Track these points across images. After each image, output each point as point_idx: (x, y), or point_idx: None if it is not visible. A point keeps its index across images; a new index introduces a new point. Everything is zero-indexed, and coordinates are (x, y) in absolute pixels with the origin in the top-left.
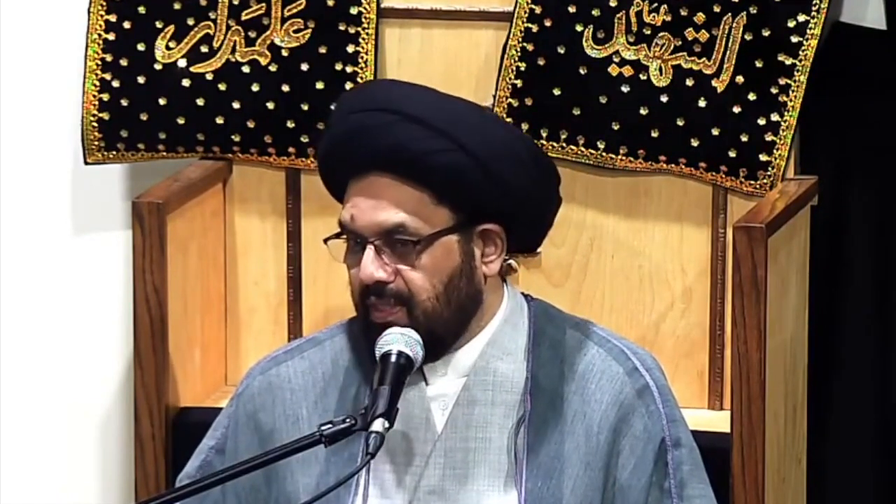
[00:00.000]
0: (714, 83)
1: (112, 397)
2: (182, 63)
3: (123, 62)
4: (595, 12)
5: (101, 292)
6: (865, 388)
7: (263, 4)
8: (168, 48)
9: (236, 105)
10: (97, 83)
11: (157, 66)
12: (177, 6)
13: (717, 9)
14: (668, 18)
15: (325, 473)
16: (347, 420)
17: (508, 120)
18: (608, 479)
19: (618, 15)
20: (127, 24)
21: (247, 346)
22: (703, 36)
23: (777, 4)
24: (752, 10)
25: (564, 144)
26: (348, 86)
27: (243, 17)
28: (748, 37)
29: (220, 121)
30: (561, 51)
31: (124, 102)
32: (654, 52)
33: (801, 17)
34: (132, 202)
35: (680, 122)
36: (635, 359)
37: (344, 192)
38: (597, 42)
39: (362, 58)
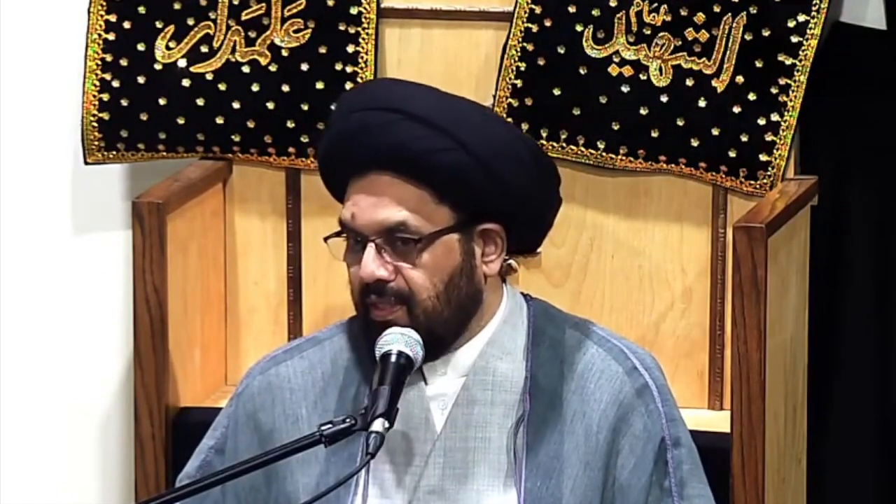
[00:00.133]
0: (714, 83)
1: (112, 397)
2: (182, 63)
3: (123, 62)
4: (595, 12)
5: (101, 292)
6: (865, 388)
7: (263, 4)
8: (168, 48)
9: (236, 105)
10: (97, 83)
11: (157, 66)
12: (177, 6)
13: (717, 9)
14: (668, 18)
15: (324, 473)
16: (347, 420)
17: (509, 120)
18: (608, 479)
19: (618, 15)
20: (127, 24)
21: (247, 346)
22: (703, 36)
23: (777, 4)
24: (752, 10)
25: (564, 144)
26: (348, 86)
27: (243, 17)
28: (748, 37)
29: (220, 121)
30: (561, 51)
31: (124, 102)
32: (654, 52)
33: (801, 17)
34: (132, 202)
35: (680, 122)
36: (634, 358)
37: (344, 191)
38: (597, 42)
39: (362, 58)
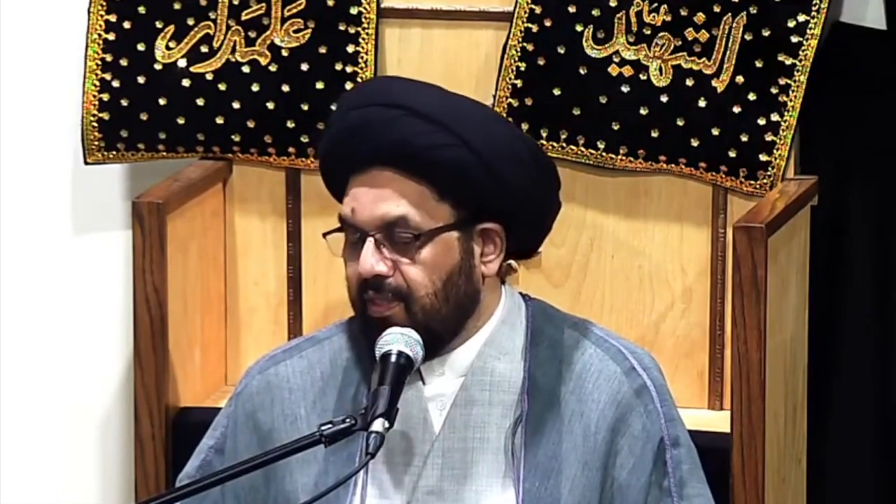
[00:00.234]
0: (714, 83)
1: (112, 397)
2: (182, 63)
3: (123, 62)
4: (595, 12)
5: (101, 292)
6: (865, 388)
7: (263, 4)
8: (168, 48)
9: (236, 105)
10: (97, 83)
11: (157, 66)
12: (177, 6)
13: (717, 9)
14: (668, 18)
15: (323, 473)
16: (347, 420)
17: (509, 120)
18: (606, 479)
19: (618, 15)
20: (127, 24)
21: (247, 346)
22: (703, 36)
23: (777, 4)
24: (752, 10)
25: (564, 144)
26: (348, 86)
27: (243, 17)
28: (748, 37)
29: (220, 121)
30: (561, 51)
31: (124, 102)
32: (654, 52)
33: (801, 17)
34: (132, 202)
35: (680, 122)
36: (633, 358)
37: (344, 189)
38: (597, 42)
39: (362, 58)
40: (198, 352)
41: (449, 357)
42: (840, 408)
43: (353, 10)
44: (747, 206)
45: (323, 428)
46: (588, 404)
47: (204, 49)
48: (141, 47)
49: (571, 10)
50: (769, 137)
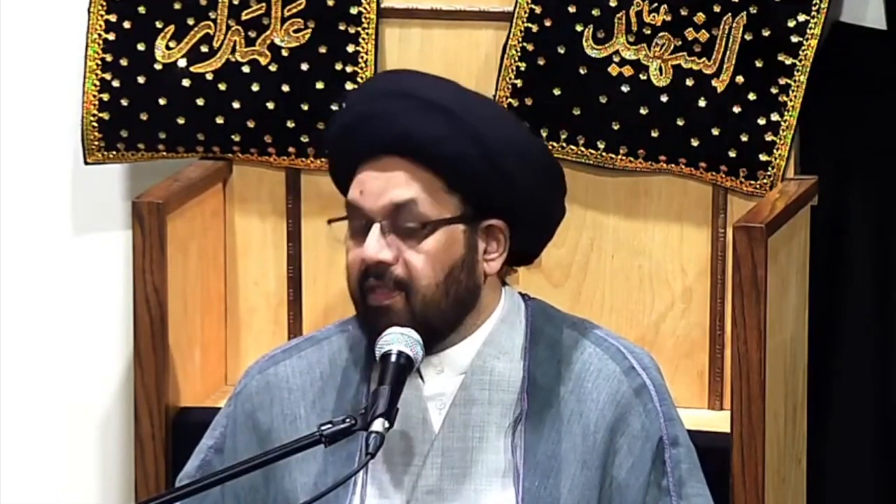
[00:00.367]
0: (714, 83)
1: (112, 397)
2: (182, 63)
3: (123, 62)
4: (595, 12)
5: (101, 292)
6: (865, 388)
7: (263, 4)
8: (168, 48)
9: (236, 105)
10: (97, 83)
11: (157, 66)
12: (177, 6)
13: (717, 9)
14: (668, 18)
15: (323, 472)
16: (347, 420)
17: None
18: (605, 478)
19: (618, 15)
20: (127, 24)
21: (247, 346)
22: (703, 36)
23: (777, 4)
24: (752, 10)
25: (564, 144)
26: (348, 86)
27: (243, 17)
28: (748, 37)
29: (220, 121)
30: (561, 51)
31: (124, 102)
32: (654, 52)
33: (801, 17)
34: (132, 202)
35: (680, 122)
36: (632, 358)
37: (350, 178)
38: (597, 42)
39: (362, 58)
40: (198, 352)
41: (448, 354)
42: (840, 408)
43: (353, 10)
44: (747, 206)
45: (323, 428)
46: (587, 403)
47: (204, 49)
48: (141, 47)
49: (571, 10)
50: (769, 137)
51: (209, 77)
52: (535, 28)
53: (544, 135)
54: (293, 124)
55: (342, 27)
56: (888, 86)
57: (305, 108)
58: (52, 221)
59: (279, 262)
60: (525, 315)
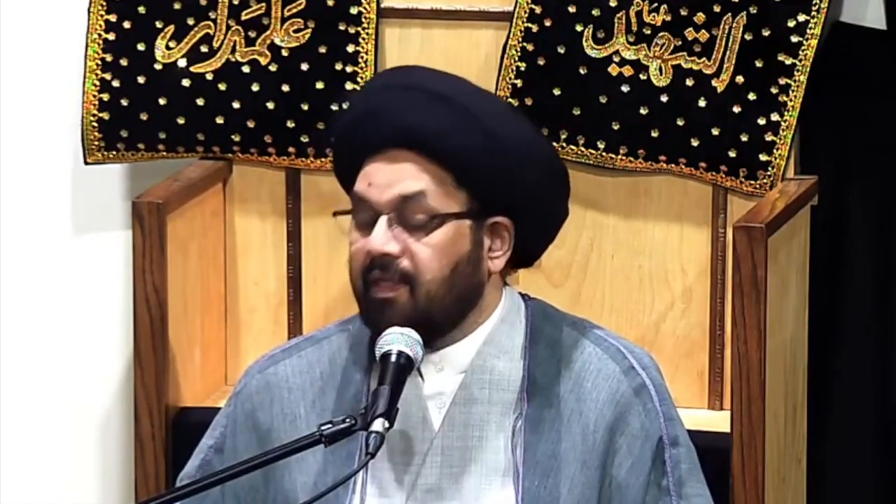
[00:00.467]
0: (714, 83)
1: (112, 397)
2: (182, 63)
3: (123, 62)
4: (595, 12)
5: (101, 292)
6: (865, 388)
7: (263, 4)
8: (168, 48)
9: (236, 105)
10: (97, 83)
11: (157, 66)
12: (177, 6)
13: (717, 9)
14: (668, 18)
15: (322, 472)
16: (347, 420)
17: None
18: (605, 478)
19: (618, 15)
20: (127, 24)
21: (247, 346)
22: (703, 36)
23: (777, 4)
24: (752, 10)
25: (564, 144)
26: (348, 86)
27: (243, 17)
28: (748, 37)
29: (220, 121)
30: (561, 51)
31: (124, 102)
32: (654, 52)
33: (801, 17)
34: (132, 202)
35: (680, 122)
36: (632, 357)
37: (355, 172)
38: (597, 42)
39: (362, 58)
40: (198, 352)
41: (448, 353)
42: (840, 408)
43: (353, 10)
44: (747, 206)
45: (323, 428)
46: (587, 403)
47: (204, 49)
48: (141, 47)
49: (571, 10)
50: (769, 137)
51: (209, 77)
52: (535, 28)
53: (544, 135)
54: (293, 124)
55: (342, 27)
56: (888, 86)
57: (305, 108)
58: (52, 221)
59: (279, 262)
60: (525, 315)
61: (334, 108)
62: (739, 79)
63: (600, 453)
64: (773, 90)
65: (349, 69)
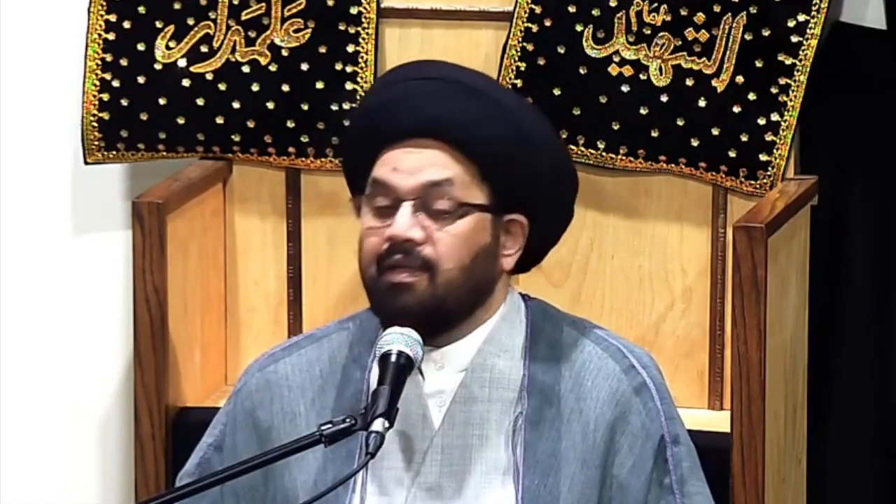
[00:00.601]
0: (714, 83)
1: (112, 397)
2: (182, 63)
3: (123, 62)
4: (595, 12)
5: (101, 292)
6: (865, 388)
7: (263, 4)
8: (168, 48)
9: (236, 105)
10: (97, 83)
11: (157, 66)
12: (177, 6)
13: (717, 9)
14: (668, 18)
15: (322, 471)
16: (347, 420)
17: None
18: (605, 477)
19: (618, 15)
20: (127, 24)
21: (247, 346)
22: (703, 36)
23: (777, 4)
24: (752, 10)
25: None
26: (348, 86)
27: (243, 17)
28: (748, 37)
29: (220, 121)
30: (561, 51)
31: (124, 102)
32: (654, 52)
33: (801, 17)
34: (132, 202)
35: (680, 122)
36: (632, 357)
37: (368, 164)
38: (597, 42)
39: (362, 58)
40: (198, 352)
41: (449, 351)
42: (840, 408)
43: (353, 10)
44: (747, 206)
45: (323, 428)
46: (587, 402)
47: (204, 49)
48: (141, 47)
49: (571, 10)
50: (769, 137)
51: (209, 77)
52: (535, 28)
53: None
54: (293, 124)
55: (342, 27)
56: (888, 86)
57: (305, 108)
58: (52, 221)
59: (279, 262)
60: (525, 314)
61: (334, 108)
62: (739, 79)
63: (601, 453)
64: (773, 90)
65: (349, 69)
